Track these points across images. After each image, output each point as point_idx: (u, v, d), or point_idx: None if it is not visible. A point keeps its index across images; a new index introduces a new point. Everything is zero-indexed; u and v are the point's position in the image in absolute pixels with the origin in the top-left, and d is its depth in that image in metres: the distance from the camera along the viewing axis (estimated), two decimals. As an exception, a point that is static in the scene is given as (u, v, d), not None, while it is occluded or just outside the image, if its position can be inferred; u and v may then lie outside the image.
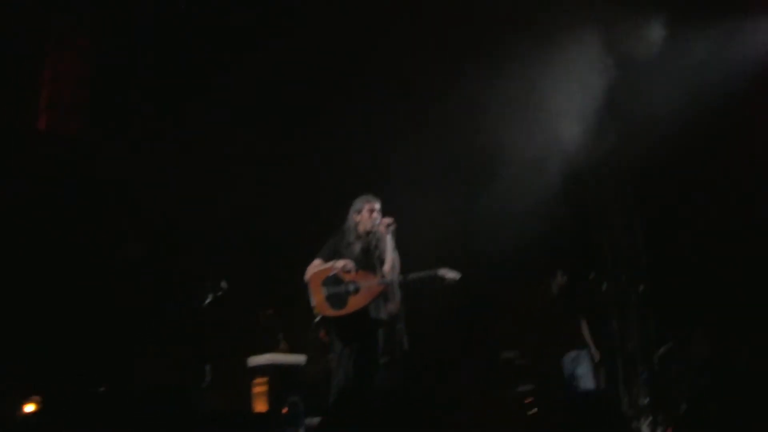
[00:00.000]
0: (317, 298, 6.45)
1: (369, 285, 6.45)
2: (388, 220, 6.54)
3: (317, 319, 6.60)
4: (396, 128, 9.49)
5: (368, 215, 6.65)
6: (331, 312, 6.45)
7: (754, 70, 8.53)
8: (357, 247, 6.64)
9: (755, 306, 8.49)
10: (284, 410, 8.64)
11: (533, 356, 9.46)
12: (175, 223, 10.13)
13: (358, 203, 6.75)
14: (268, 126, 10.05)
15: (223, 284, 8.08)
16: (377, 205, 6.68)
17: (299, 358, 10.01)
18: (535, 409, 8.03)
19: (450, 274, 6.58)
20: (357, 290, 6.48)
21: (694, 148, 8.80)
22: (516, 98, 8.63)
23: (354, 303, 6.45)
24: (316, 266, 6.60)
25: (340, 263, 6.51)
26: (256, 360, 10.03)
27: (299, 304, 8.93)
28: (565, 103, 8.74)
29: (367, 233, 6.66)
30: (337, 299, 6.45)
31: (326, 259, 6.64)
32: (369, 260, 6.60)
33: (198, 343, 8.36)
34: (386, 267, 6.49)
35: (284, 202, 10.08)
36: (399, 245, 6.58)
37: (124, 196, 9.75)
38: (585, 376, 8.51)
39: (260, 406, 9.75)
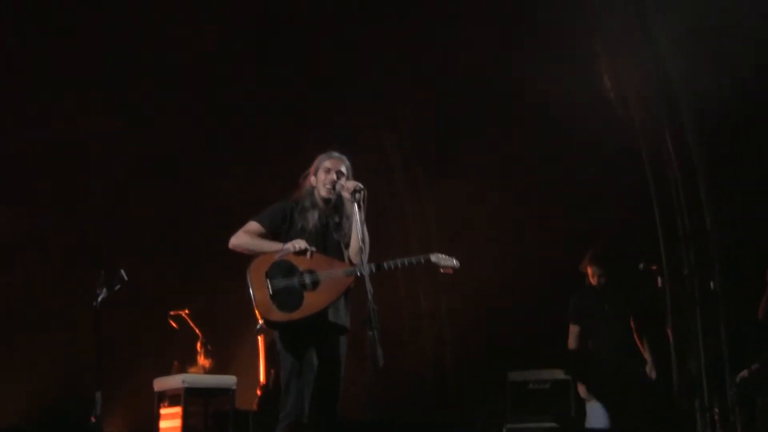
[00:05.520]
0: (259, 295, 6.08)
1: (331, 276, 6.19)
2: (353, 183, 6.20)
3: (258, 325, 6.22)
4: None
5: (324, 176, 6.39)
6: (278, 315, 6.09)
7: None
8: (314, 218, 6.39)
9: None
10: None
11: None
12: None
13: (317, 161, 6.53)
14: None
15: (121, 274, 7.79)
16: (343, 166, 6.43)
17: (228, 380, 9.91)
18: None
19: (446, 262, 6.39)
20: (315, 284, 6.16)
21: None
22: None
23: (311, 302, 6.13)
24: (250, 232, 6.34)
25: (290, 244, 6.19)
26: (166, 381, 9.93)
27: (228, 302, 9.30)
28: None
29: (326, 201, 6.42)
30: (287, 297, 6.10)
31: (265, 227, 6.36)
32: (330, 239, 6.39)
33: (86, 359, 7.90)
34: (351, 249, 6.34)
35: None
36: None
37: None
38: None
39: (169, 449, 9.63)
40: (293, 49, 11.26)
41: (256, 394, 10.26)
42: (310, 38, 11.30)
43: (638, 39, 9.98)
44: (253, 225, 6.36)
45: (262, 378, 10.45)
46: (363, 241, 6.10)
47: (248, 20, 11.08)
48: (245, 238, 6.30)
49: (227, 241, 6.42)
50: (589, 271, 8.91)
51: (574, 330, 8.90)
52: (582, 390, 8.80)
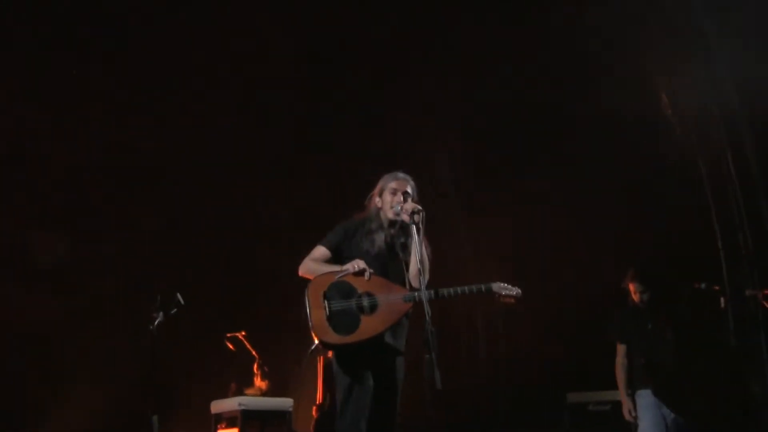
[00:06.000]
0: (316, 315, 6.04)
1: (390, 301, 6.13)
2: (412, 205, 6.13)
3: (313, 347, 6.17)
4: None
5: (390, 197, 6.31)
6: (334, 338, 6.04)
7: None
8: (380, 240, 6.31)
9: None
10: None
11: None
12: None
13: (382, 181, 6.47)
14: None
15: (178, 298, 7.80)
16: (408, 187, 6.37)
17: (285, 402, 9.91)
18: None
19: (508, 291, 6.31)
20: (373, 308, 6.11)
21: None
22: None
23: (367, 326, 6.09)
24: (317, 258, 6.28)
25: (349, 264, 6.13)
26: (223, 404, 9.92)
27: (284, 324, 9.26)
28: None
29: (392, 223, 6.34)
30: (344, 319, 6.06)
31: (332, 250, 6.31)
32: (394, 261, 6.31)
33: (142, 382, 7.89)
34: (411, 272, 6.22)
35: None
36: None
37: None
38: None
39: (229, 471, 9.64)
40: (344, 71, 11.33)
41: (312, 416, 10.18)
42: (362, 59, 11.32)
43: (697, 57, 9.85)
44: (319, 250, 6.32)
45: (318, 399, 10.38)
46: (422, 262, 6.03)
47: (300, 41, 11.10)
48: (313, 266, 6.25)
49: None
50: (631, 288, 8.66)
51: (620, 349, 8.74)
52: (626, 410, 8.62)
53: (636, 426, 8.58)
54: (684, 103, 9.97)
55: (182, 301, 7.77)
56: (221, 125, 11.15)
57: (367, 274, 6.10)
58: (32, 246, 10.42)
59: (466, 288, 6.16)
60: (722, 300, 9.22)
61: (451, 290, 6.14)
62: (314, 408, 10.36)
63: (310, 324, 6.02)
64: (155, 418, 7.75)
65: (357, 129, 11.46)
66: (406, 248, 6.29)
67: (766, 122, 9.59)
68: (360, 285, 6.11)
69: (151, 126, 10.89)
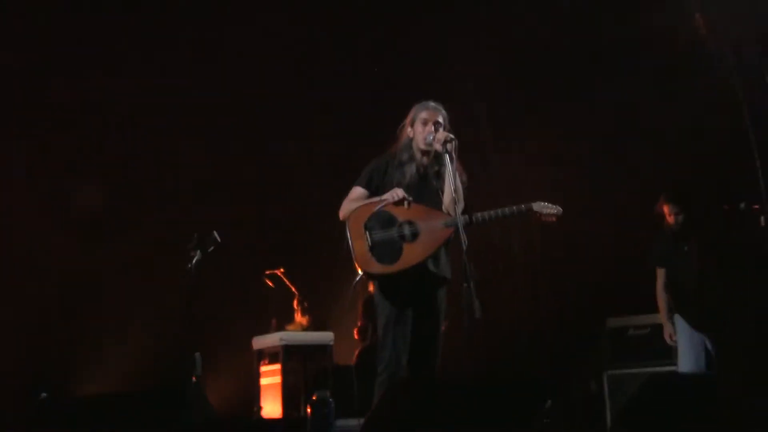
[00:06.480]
0: (358, 246, 6.07)
1: (431, 228, 6.13)
2: (444, 134, 6.12)
3: (357, 278, 6.21)
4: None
5: (422, 128, 6.29)
6: (377, 268, 6.08)
7: None
8: (411, 171, 6.31)
9: None
10: (307, 411, 8.45)
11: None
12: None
13: (413, 111, 6.45)
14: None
15: (215, 236, 7.75)
16: (440, 116, 6.34)
17: (326, 336, 10.04)
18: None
19: (549, 209, 6.31)
20: (415, 235, 6.12)
21: None
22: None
23: (410, 254, 6.09)
24: (356, 198, 6.29)
25: (388, 194, 6.13)
26: (265, 340, 10.07)
27: (323, 258, 9.27)
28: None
29: (424, 153, 6.33)
30: (386, 249, 6.08)
31: (369, 188, 6.32)
32: (428, 190, 6.31)
33: (183, 320, 8.02)
34: (445, 200, 6.21)
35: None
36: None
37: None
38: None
39: (271, 405, 9.78)
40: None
41: (354, 350, 10.22)
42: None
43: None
44: (356, 191, 6.33)
45: (355, 334, 10.41)
46: (456, 191, 6.03)
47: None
48: (352, 205, 6.25)
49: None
50: (666, 210, 8.62)
51: (660, 273, 8.69)
52: (667, 334, 8.60)
53: (677, 350, 8.60)
54: (720, 24, 9.60)
55: (219, 239, 7.74)
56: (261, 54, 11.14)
57: (406, 202, 6.09)
58: (71, 195, 10.45)
59: (506, 209, 6.18)
60: (762, 219, 9.18)
61: (490, 213, 6.16)
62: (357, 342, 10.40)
63: (352, 255, 6.05)
64: (198, 355, 7.84)
65: (389, 60, 11.38)
66: (439, 177, 6.28)
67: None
68: (400, 213, 6.12)
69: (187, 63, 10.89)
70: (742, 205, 8.94)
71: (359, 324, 10.29)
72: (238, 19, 10.93)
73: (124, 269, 10.53)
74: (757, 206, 8.96)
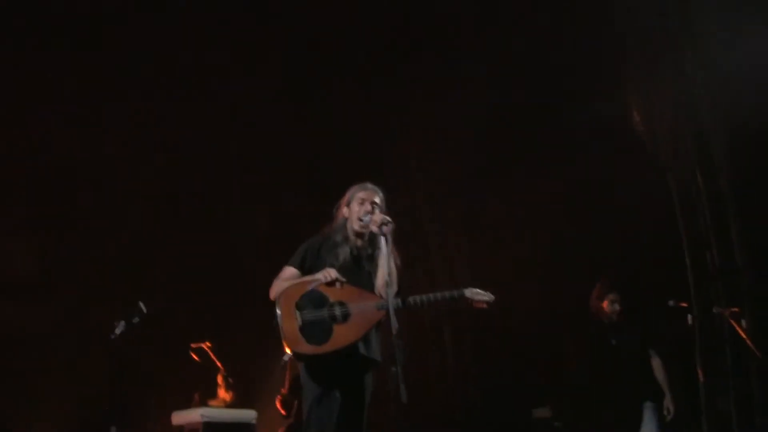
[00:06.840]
0: (288, 325, 5.96)
1: (362, 309, 6.06)
2: (381, 216, 6.08)
3: (285, 357, 6.09)
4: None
5: (358, 207, 6.27)
6: (307, 348, 5.97)
7: None
8: (345, 252, 6.26)
9: None
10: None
11: (577, 414, 9.52)
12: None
13: (350, 192, 6.42)
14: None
15: (140, 307, 7.68)
16: (377, 197, 6.32)
17: (248, 414, 9.81)
18: None
19: (481, 296, 6.27)
20: (346, 316, 6.04)
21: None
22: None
23: (341, 335, 6.00)
24: (287, 278, 6.20)
25: (321, 273, 6.07)
26: (185, 415, 9.77)
27: (248, 334, 9.14)
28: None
29: (359, 235, 6.29)
30: (316, 329, 5.99)
31: (301, 268, 6.24)
32: (361, 272, 6.25)
33: (104, 393, 7.78)
34: (378, 282, 6.16)
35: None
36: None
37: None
38: None
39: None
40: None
41: (278, 429, 10.07)
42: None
43: (667, 72, 9.96)
44: (288, 271, 6.26)
45: (278, 402, 10.25)
46: (390, 274, 5.94)
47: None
48: (283, 285, 6.16)
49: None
50: (606, 301, 8.69)
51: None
52: None
53: None
54: (656, 120, 10.01)
55: (145, 310, 7.64)
56: (181, 131, 11.10)
57: (338, 283, 6.02)
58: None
59: (438, 294, 6.16)
60: (689, 317, 9.27)
61: (423, 297, 6.13)
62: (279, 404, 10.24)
63: (282, 335, 5.95)
64: (113, 429, 7.64)
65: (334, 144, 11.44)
66: (372, 259, 6.24)
67: (736, 140, 9.69)
68: (332, 294, 6.05)
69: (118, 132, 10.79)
70: (671, 303, 9.07)
71: (283, 392, 10.10)
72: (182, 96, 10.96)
73: (46, 338, 10.31)
74: (685, 303, 9.09)
